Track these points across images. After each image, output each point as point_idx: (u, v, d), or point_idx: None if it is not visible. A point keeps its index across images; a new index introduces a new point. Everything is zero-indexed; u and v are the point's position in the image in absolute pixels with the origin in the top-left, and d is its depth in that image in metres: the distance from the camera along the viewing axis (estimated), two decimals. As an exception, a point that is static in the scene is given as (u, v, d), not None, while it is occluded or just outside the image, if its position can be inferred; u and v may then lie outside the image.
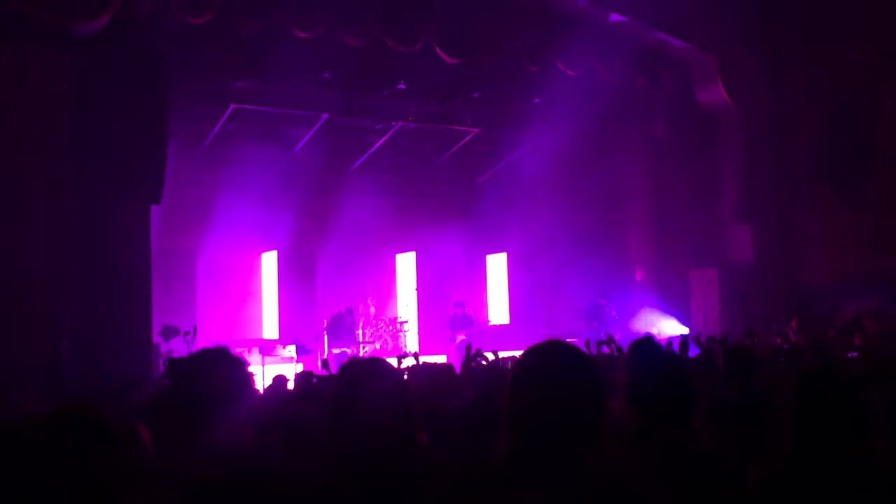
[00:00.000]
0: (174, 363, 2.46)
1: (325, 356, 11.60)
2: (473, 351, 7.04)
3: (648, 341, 2.76)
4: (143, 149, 9.50)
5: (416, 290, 15.23)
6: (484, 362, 7.00)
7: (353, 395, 2.24)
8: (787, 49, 12.74)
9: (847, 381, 2.29)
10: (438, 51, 11.34)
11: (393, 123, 13.53)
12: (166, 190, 10.03)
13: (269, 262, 14.17)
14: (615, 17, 12.06)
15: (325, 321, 13.40)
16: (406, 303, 15.17)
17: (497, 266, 16.16)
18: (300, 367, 10.51)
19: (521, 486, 1.88)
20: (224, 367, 2.37)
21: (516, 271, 15.68)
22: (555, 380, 1.95)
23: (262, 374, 10.64)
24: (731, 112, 13.31)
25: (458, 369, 7.57)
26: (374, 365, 2.35)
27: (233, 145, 13.05)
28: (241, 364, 2.42)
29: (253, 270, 14.04)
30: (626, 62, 12.67)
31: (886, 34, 11.96)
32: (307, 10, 10.38)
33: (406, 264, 15.65)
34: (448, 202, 15.46)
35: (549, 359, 2.01)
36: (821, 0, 12.12)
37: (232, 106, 12.02)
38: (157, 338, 10.27)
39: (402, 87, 12.26)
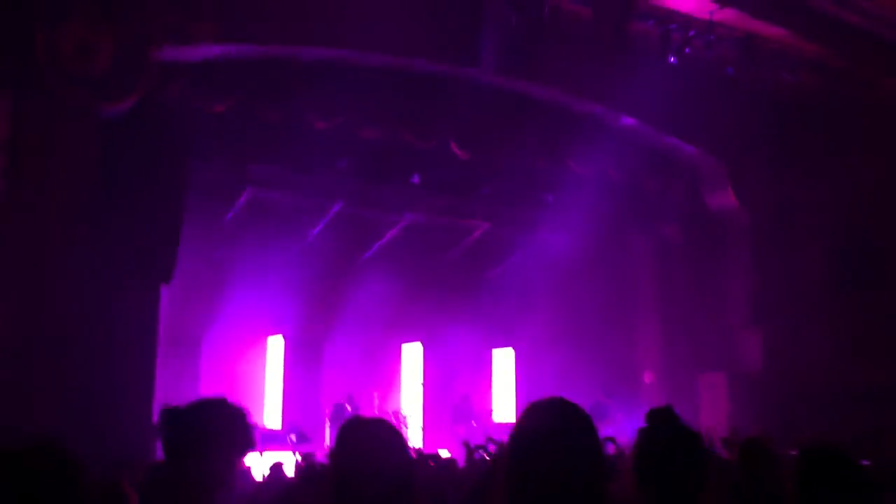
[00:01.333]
0: (170, 412, 2.40)
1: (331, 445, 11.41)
2: (475, 444, 6.95)
3: (668, 412, 2.60)
4: (158, 228, 9.62)
5: (422, 382, 15.08)
6: (487, 456, 6.89)
7: (353, 451, 2.19)
8: (796, 160, 12.92)
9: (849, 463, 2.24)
10: (453, 146, 11.56)
11: (405, 215, 13.69)
12: (177, 269, 10.10)
13: (275, 347, 14.11)
14: (626, 119, 12.32)
15: (329, 410, 13.25)
16: (410, 394, 15.01)
17: (504, 361, 16.04)
18: (299, 457, 10.33)
19: None
20: (223, 416, 2.33)
21: (523, 367, 15.55)
22: (557, 438, 1.89)
23: (260, 461, 10.44)
24: (740, 217, 13.41)
25: (460, 463, 7.43)
26: (376, 423, 2.31)
27: (246, 229, 13.19)
28: (242, 414, 2.37)
29: (258, 354, 13.98)
30: (636, 164, 12.87)
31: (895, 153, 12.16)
32: (327, 102, 10.64)
33: (412, 356, 15.55)
34: (457, 295, 15.47)
35: (550, 417, 1.96)
36: (832, 113, 12.36)
37: (248, 191, 12.21)
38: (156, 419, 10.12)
39: (416, 179, 12.45)
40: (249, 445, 2.39)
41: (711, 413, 13.20)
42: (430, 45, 10.72)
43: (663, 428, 2.46)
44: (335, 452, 2.23)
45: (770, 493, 3.82)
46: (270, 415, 13.59)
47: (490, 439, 8.62)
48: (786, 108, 12.63)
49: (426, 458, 6.35)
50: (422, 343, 15.59)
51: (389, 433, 2.25)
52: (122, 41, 9.06)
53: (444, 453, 10.94)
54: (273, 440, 11.93)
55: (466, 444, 7.11)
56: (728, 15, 10.96)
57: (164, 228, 9.75)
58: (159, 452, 2.49)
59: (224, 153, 11.18)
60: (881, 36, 11.10)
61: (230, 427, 2.34)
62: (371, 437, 2.22)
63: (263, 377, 14.01)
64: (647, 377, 14.24)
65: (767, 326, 13.23)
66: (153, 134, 9.83)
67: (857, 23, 10.95)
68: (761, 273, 13.28)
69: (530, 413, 1.99)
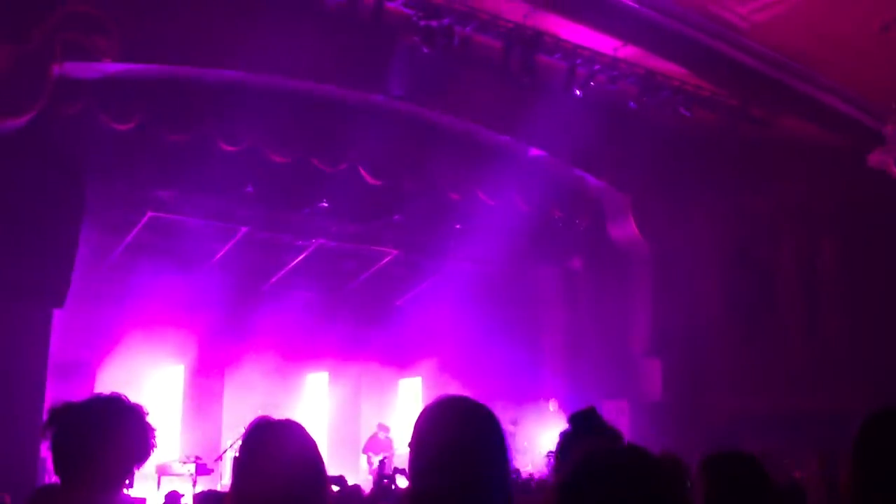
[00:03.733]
0: (58, 411, 2.24)
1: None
2: (389, 472, 6.88)
3: (591, 412, 2.60)
4: (52, 249, 9.21)
5: (328, 411, 14.84)
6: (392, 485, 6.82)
7: (259, 449, 2.12)
8: (694, 194, 13.41)
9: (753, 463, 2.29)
10: (362, 172, 11.53)
11: (312, 241, 13.51)
12: (71, 297, 9.67)
13: (175, 377, 13.65)
14: (534, 151, 12.56)
15: (230, 442, 12.85)
16: (315, 424, 14.73)
17: (410, 390, 15.95)
18: (199, 488, 9.99)
19: None
20: (118, 415, 2.20)
21: (430, 395, 15.49)
22: (453, 433, 1.87)
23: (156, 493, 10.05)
24: (642, 248, 13.79)
25: (365, 492, 7.32)
26: (284, 423, 2.24)
27: (146, 254, 12.76)
28: (138, 413, 2.25)
29: (157, 382, 13.47)
30: (543, 195, 13.10)
31: (787, 189, 12.79)
32: (234, 124, 10.47)
33: (318, 384, 15.30)
34: (364, 323, 15.35)
35: (446, 412, 1.93)
36: (728, 149, 12.90)
37: (149, 214, 11.83)
38: (45, 451, 9.63)
39: (325, 205, 12.32)
40: (148, 446, 2.26)
41: (614, 440, 13.41)
42: (340, 71, 10.71)
43: (584, 428, 2.47)
44: (240, 451, 2.16)
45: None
46: (168, 445, 13.09)
47: (397, 470, 8.52)
48: (685, 144, 13.13)
49: (331, 482, 6.22)
50: (328, 373, 15.37)
51: (299, 434, 2.20)
52: (21, 55, 8.71)
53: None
54: (170, 471, 11.49)
55: (378, 473, 7.02)
56: (631, 52, 11.36)
57: (59, 250, 9.35)
58: (47, 477, 2.32)
59: (126, 174, 10.83)
60: (773, 77, 11.69)
61: (127, 423, 2.21)
62: (279, 436, 2.17)
63: (162, 406, 13.50)
64: (552, 405, 14.41)
65: (667, 355, 13.60)
66: (51, 152, 9.46)
67: (750, 64, 11.51)
68: (662, 303, 13.67)
69: (428, 413, 1.97)
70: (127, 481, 2.26)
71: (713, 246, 13.51)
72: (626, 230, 13.72)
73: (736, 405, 12.84)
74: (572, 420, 2.53)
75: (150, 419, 2.30)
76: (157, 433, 2.31)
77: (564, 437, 2.50)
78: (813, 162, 12.50)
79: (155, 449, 2.29)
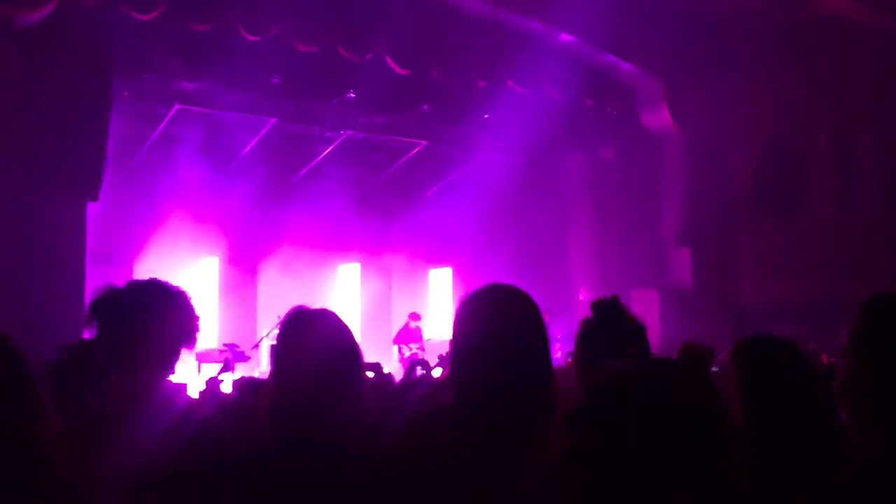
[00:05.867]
0: (101, 298, 2.26)
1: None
2: (421, 359, 7.01)
3: (614, 301, 2.58)
4: (82, 144, 9.25)
5: (360, 301, 15.10)
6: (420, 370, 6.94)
7: (296, 337, 2.17)
8: (730, 80, 13.04)
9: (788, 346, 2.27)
10: (389, 61, 11.31)
11: (341, 132, 13.41)
12: (105, 192, 9.77)
13: (210, 269, 13.90)
14: (565, 37, 12.21)
15: (266, 331, 13.17)
16: (348, 314, 15.01)
17: (441, 280, 16.12)
18: (237, 375, 10.28)
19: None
20: (162, 298, 2.23)
21: (461, 286, 15.66)
22: (495, 321, 1.87)
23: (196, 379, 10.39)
24: (675, 136, 13.55)
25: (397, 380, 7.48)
26: (320, 312, 2.27)
27: (176, 147, 12.77)
28: (182, 295, 2.27)
29: (193, 275, 13.74)
30: (574, 82, 12.80)
31: (825, 74, 12.36)
32: (259, 14, 10.27)
33: (350, 275, 15.51)
34: (394, 214, 15.39)
35: (488, 300, 1.94)
36: (765, 36, 12.44)
37: (177, 106, 11.76)
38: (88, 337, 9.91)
39: (352, 95, 12.15)
40: (193, 328, 2.29)
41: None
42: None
43: (606, 316, 2.47)
44: (278, 340, 2.21)
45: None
46: (205, 335, 13.47)
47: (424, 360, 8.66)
48: (721, 27, 12.66)
49: (367, 368, 6.37)
50: (360, 264, 15.55)
51: (335, 322, 2.24)
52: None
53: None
54: (208, 359, 11.84)
55: (409, 362, 7.17)
56: (667, -70, 10.85)
57: (89, 144, 9.38)
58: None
59: (151, 66, 10.70)
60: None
61: (171, 305, 2.25)
62: (316, 324, 2.21)
63: (198, 295, 13.79)
64: (582, 294, 14.51)
65: (698, 243, 13.56)
66: (74, 43, 9.35)
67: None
68: (693, 191, 13.54)
69: (469, 301, 1.97)
70: (172, 365, 2.30)
71: (748, 133, 13.23)
72: (659, 117, 13.47)
73: (767, 292, 12.86)
74: (595, 308, 2.52)
75: (193, 302, 2.33)
76: (200, 317, 2.33)
77: (586, 324, 2.50)
78: (854, 45, 12.02)
79: (199, 332, 2.29)
